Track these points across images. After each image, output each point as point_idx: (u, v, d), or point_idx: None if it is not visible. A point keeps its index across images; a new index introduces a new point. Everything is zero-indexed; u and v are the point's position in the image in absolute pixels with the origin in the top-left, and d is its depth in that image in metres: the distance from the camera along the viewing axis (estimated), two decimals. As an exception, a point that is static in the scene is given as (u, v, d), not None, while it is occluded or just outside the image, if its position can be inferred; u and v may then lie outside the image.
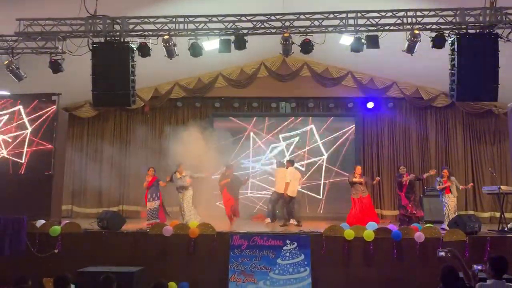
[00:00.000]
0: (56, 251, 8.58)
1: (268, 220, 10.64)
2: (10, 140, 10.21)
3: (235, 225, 9.89)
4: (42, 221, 8.98)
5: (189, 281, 8.25)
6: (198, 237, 8.51)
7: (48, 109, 10.28)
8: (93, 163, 12.76)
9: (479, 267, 4.45)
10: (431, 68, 10.00)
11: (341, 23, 8.06)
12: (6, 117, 10.31)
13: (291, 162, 10.69)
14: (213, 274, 8.33)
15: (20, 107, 10.32)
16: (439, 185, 9.79)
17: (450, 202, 9.68)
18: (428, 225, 8.96)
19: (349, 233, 8.30)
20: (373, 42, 7.96)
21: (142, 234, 8.83)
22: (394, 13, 7.91)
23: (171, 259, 8.45)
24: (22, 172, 10.01)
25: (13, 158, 10.13)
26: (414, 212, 9.83)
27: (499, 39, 7.48)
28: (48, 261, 8.43)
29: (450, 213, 9.57)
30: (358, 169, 10.29)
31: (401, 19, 7.90)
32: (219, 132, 12.27)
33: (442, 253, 4.64)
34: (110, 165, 12.69)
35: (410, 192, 9.98)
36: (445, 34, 7.78)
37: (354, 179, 10.09)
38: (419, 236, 8.13)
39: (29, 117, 10.26)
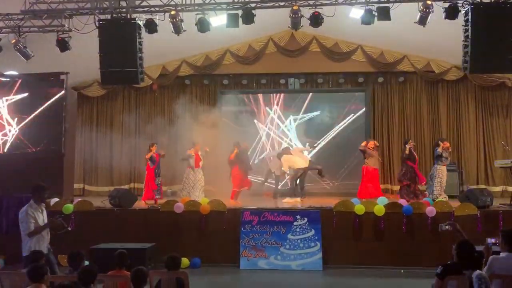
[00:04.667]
0: (69, 228, 8.69)
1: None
2: (20, 120, 10.27)
3: (245, 201, 9.94)
4: (56, 199, 9.10)
5: (201, 257, 8.36)
6: (209, 213, 8.58)
7: (57, 88, 10.28)
8: (103, 141, 12.80)
9: (493, 241, 4.44)
10: (443, 40, 9.79)
11: (351, -5, 7.88)
12: (15, 96, 10.33)
13: None
14: (224, 249, 8.42)
15: (29, 86, 10.33)
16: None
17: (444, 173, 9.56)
18: (440, 199, 8.92)
19: (359, 208, 8.30)
20: (384, 14, 7.79)
21: (153, 211, 8.91)
22: (406, -17, 7.71)
23: (183, 235, 8.54)
24: (34, 152, 10.09)
25: (24, 138, 10.20)
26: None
27: (514, 8, 7.28)
28: (62, 238, 8.52)
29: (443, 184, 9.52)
30: (371, 143, 10.44)
31: (413, -11, 7.70)
32: (228, 109, 12.23)
33: (447, 227, 4.70)
34: (119, 143, 12.74)
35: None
36: (458, 5, 7.57)
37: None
38: (431, 211, 8.10)
39: (38, 97, 10.27)
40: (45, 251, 5.50)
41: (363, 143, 10.44)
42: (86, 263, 5.20)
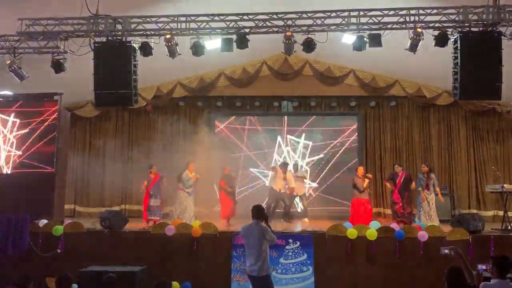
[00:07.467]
0: (58, 250, 8.59)
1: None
2: (13, 140, 10.21)
3: (234, 224, 9.88)
4: (45, 221, 8.98)
5: (191, 281, 8.24)
6: (200, 236, 8.50)
7: (51, 108, 10.27)
8: (96, 162, 12.76)
9: (484, 267, 4.43)
10: (434, 66, 9.96)
11: (344, 22, 8.05)
12: (8, 116, 10.30)
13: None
14: (215, 273, 8.32)
15: (23, 106, 10.31)
16: (421, 183, 9.65)
17: (430, 198, 9.59)
18: (431, 224, 8.94)
19: (352, 232, 8.27)
20: (376, 40, 7.94)
21: (144, 233, 8.82)
22: (397, 11, 7.90)
23: (174, 258, 8.44)
24: (25, 172, 10.00)
25: (16, 158, 10.13)
26: (402, 211, 9.67)
27: (502, 37, 7.46)
28: (51, 261, 8.43)
29: (432, 210, 9.55)
30: (360, 170, 10.22)
31: (404, 17, 7.89)
32: (221, 131, 12.26)
33: (446, 251, 4.59)
34: (112, 164, 12.69)
35: (403, 190, 9.77)
36: (448, 32, 7.75)
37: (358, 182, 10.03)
38: (423, 235, 8.10)
39: (31, 117, 10.24)
40: None
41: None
42: (75, 286, 5.12)
